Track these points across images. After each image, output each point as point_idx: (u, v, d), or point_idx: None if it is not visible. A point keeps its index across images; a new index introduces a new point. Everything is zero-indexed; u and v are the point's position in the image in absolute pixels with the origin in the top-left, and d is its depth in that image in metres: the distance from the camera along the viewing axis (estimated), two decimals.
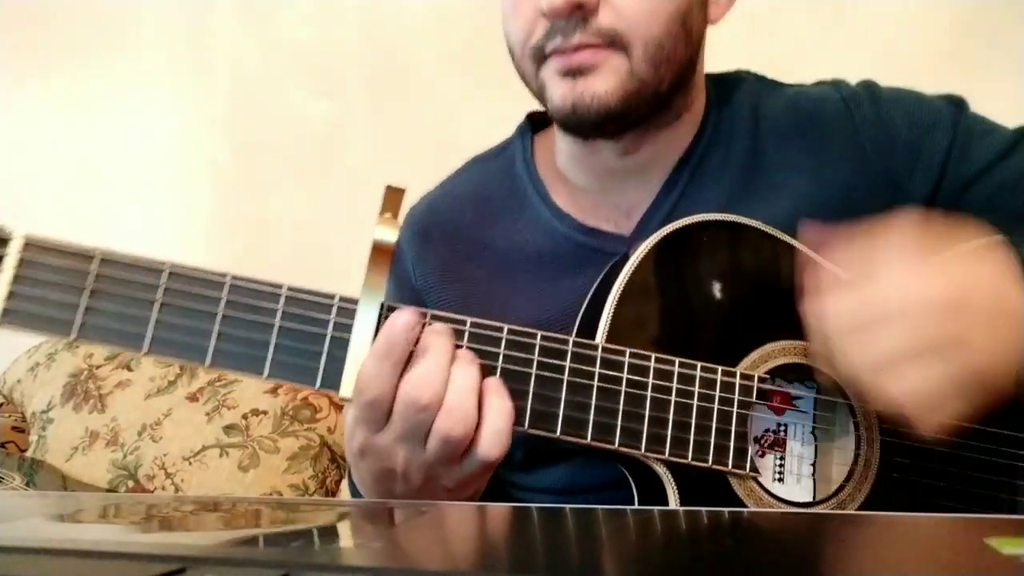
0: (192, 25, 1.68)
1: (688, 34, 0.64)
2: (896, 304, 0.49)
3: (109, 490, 1.29)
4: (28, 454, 1.40)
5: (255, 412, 1.31)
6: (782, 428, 0.64)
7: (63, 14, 1.72)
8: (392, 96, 1.57)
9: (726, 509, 0.56)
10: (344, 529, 0.43)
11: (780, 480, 0.63)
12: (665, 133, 0.69)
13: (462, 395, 0.52)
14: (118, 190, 1.71)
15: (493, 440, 0.53)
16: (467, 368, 0.53)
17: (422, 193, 0.81)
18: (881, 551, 0.34)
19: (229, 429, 1.30)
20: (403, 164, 1.52)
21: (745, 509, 0.57)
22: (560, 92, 0.62)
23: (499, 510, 0.51)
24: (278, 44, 1.64)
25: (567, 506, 0.45)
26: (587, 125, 0.64)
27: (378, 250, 0.54)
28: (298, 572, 0.26)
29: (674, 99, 0.68)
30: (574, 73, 0.61)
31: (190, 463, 1.27)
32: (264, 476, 1.25)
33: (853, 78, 0.74)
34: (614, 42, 0.61)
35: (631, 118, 0.65)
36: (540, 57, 0.63)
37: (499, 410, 0.53)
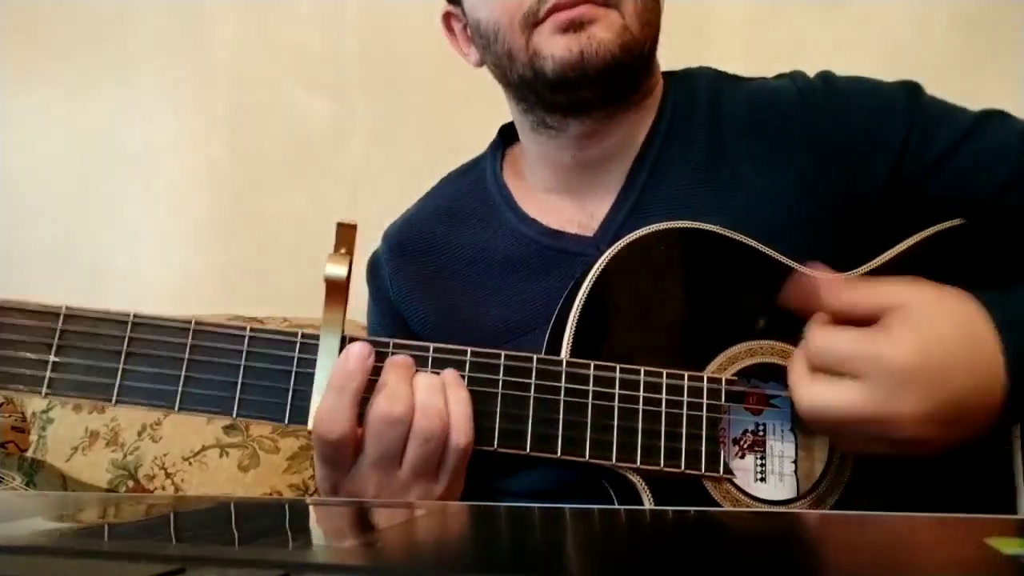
0: (192, 25, 1.68)
1: (658, 4, 0.68)
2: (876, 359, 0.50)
3: (109, 490, 1.28)
4: (28, 454, 1.40)
5: (251, 423, 1.31)
6: (760, 428, 0.64)
7: (63, 14, 1.72)
8: (392, 96, 1.57)
9: (715, 509, 0.56)
10: (344, 529, 0.43)
11: (762, 480, 0.63)
12: (627, 119, 0.71)
13: (431, 394, 0.54)
14: (117, 190, 1.71)
15: (460, 428, 0.55)
16: (427, 375, 0.56)
17: (405, 201, 0.83)
18: (881, 551, 0.34)
19: (229, 429, 1.30)
20: (403, 164, 1.52)
21: (737, 509, 0.57)
22: (563, 44, 0.63)
23: (497, 510, 0.51)
24: (278, 44, 1.64)
25: (567, 506, 0.45)
26: (593, 78, 0.64)
27: (332, 285, 0.56)
28: (298, 572, 0.26)
29: (647, 70, 0.70)
30: (575, 27, 0.63)
31: (190, 463, 1.27)
32: (264, 476, 1.25)
33: None
34: (608, 1, 0.63)
35: (628, 75, 0.67)
36: (531, 24, 0.64)
37: (459, 399, 0.55)
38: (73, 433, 1.37)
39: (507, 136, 0.80)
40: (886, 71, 0.73)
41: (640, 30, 0.65)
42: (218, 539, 0.38)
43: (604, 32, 0.63)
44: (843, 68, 0.74)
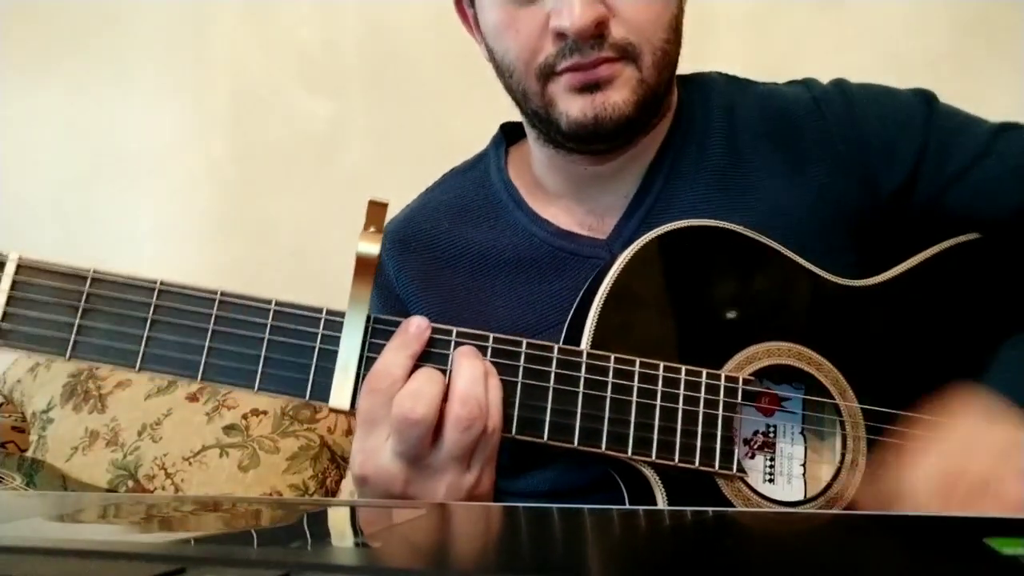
0: (192, 25, 1.68)
1: (678, 36, 0.66)
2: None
3: (109, 490, 1.29)
4: (28, 454, 1.40)
5: (255, 412, 1.31)
6: (771, 429, 0.64)
7: (63, 14, 1.72)
8: (392, 96, 1.57)
9: (720, 509, 0.57)
10: (344, 529, 0.43)
11: (771, 480, 0.63)
12: (643, 138, 0.69)
13: (473, 384, 0.54)
14: (118, 190, 1.71)
15: (494, 415, 0.55)
16: (472, 361, 0.55)
17: (406, 202, 0.82)
18: (880, 551, 0.34)
19: (229, 429, 1.30)
20: (403, 164, 1.53)
21: (737, 509, 0.58)
22: (578, 106, 0.62)
23: (499, 510, 0.51)
24: (278, 44, 1.64)
25: (570, 506, 0.45)
26: (606, 136, 0.64)
27: (362, 263, 0.55)
28: (298, 572, 0.26)
29: (664, 99, 0.69)
30: (591, 87, 0.62)
31: (190, 463, 1.27)
32: (264, 476, 1.25)
33: (853, 78, 0.74)
34: (626, 54, 0.62)
35: (641, 124, 0.66)
36: (548, 74, 0.63)
37: (495, 387, 0.56)
38: (73, 433, 1.37)
39: (509, 132, 0.80)
40: (886, 71, 0.73)
41: (658, 77, 0.64)
42: (218, 539, 0.38)
43: (620, 93, 0.62)
44: (843, 68, 0.74)
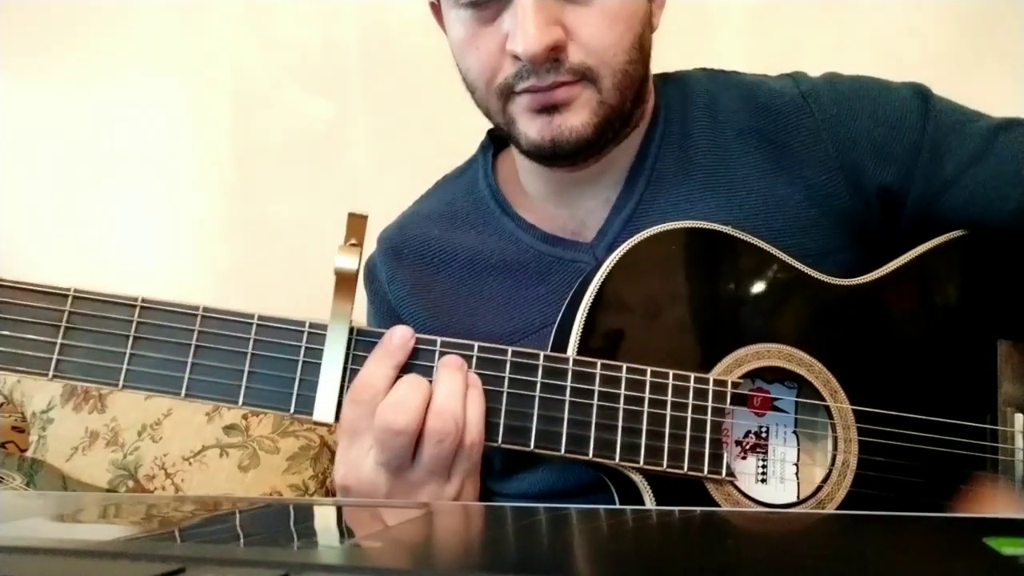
0: (192, 25, 1.67)
1: (644, 55, 0.65)
2: None
3: (109, 490, 1.28)
4: (28, 454, 1.40)
5: (255, 412, 1.31)
6: (763, 430, 0.64)
7: (62, 14, 1.72)
8: (392, 96, 1.57)
9: (713, 508, 0.56)
10: (343, 529, 0.43)
11: (763, 481, 0.63)
12: (614, 147, 0.69)
13: (450, 398, 0.54)
14: (117, 190, 1.71)
15: (473, 429, 0.55)
16: (452, 376, 0.55)
17: (406, 202, 0.83)
18: (880, 551, 0.34)
19: (229, 429, 1.30)
20: (403, 164, 1.52)
21: (731, 508, 0.57)
22: (536, 128, 0.63)
23: (498, 510, 0.51)
24: (278, 44, 1.64)
25: (570, 506, 0.45)
26: (565, 156, 0.64)
27: (341, 277, 0.55)
28: (297, 572, 0.26)
29: (633, 113, 0.68)
30: (549, 109, 0.62)
31: (190, 463, 1.27)
32: (264, 476, 1.25)
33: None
34: (585, 76, 0.61)
35: (603, 143, 0.66)
36: (508, 94, 0.63)
37: (475, 402, 0.55)
38: (73, 433, 1.37)
39: (498, 138, 0.80)
40: (886, 71, 0.72)
41: (619, 97, 0.63)
42: (218, 539, 0.38)
43: (578, 116, 0.62)
44: (843, 68, 0.73)
